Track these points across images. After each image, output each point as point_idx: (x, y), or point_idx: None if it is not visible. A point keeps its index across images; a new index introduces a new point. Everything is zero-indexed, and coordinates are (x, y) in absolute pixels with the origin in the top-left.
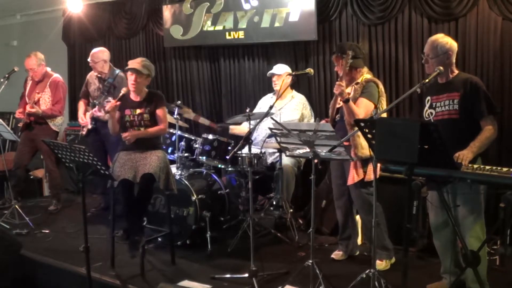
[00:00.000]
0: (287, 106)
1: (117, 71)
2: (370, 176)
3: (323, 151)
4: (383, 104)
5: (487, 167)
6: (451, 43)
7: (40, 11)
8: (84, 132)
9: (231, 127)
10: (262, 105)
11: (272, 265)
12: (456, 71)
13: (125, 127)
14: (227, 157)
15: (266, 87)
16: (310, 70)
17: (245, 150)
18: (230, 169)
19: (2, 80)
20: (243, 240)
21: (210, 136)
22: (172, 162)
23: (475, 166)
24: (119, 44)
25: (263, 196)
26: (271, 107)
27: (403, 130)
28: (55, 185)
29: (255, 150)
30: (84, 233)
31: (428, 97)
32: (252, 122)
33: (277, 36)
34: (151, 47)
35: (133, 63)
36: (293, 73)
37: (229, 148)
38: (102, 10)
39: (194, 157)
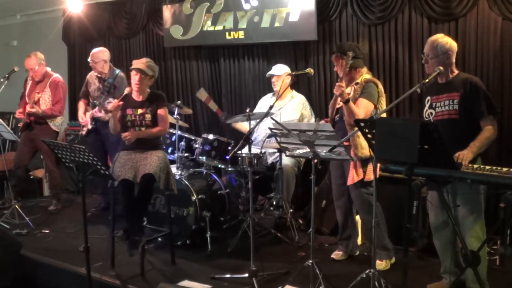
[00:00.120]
0: (287, 106)
1: (117, 71)
2: (370, 176)
3: (323, 151)
4: (383, 104)
5: (487, 167)
6: (451, 43)
7: (40, 11)
8: (84, 132)
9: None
10: (262, 105)
11: (272, 265)
12: (456, 71)
13: (126, 126)
14: (227, 157)
15: (266, 87)
16: (310, 70)
17: (245, 150)
18: (230, 169)
19: (2, 80)
20: (243, 240)
21: (210, 136)
22: (172, 162)
23: (475, 166)
24: (119, 44)
25: (263, 196)
26: (271, 107)
27: (403, 130)
28: (55, 185)
29: (255, 150)
30: (84, 233)
31: (428, 97)
32: (252, 122)
33: (277, 36)
34: (151, 47)
35: (138, 63)
36: (293, 73)
37: (229, 148)
38: (102, 10)
39: (194, 157)
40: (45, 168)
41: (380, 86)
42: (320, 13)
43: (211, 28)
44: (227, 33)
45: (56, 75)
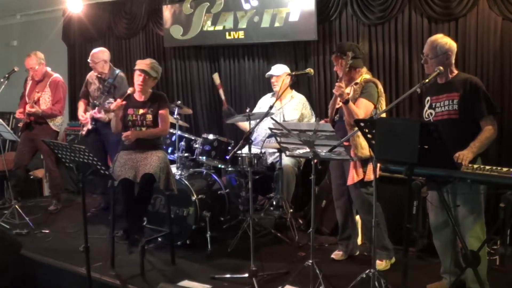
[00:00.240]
0: (287, 106)
1: (117, 71)
2: (370, 176)
3: (323, 151)
4: (382, 104)
5: (487, 167)
6: (451, 43)
7: (40, 11)
8: (84, 132)
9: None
10: (261, 105)
11: (272, 265)
12: (456, 71)
13: (127, 126)
14: (227, 157)
15: (266, 87)
16: (310, 70)
17: (245, 150)
18: (230, 169)
19: (2, 80)
20: (243, 240)
21: (210, 136)
22: (172, 162)
23: (475, 166)
24: (119, 44)
25: (263, 196)
26: (271, 107)
27: (403, 130)
28: (55, 185)
29: (255, 150)
30: (84, 233)
31: (428, 98)
32: (252, 122)
33: (277, 36)
34: (151, 47)
35: (143, 64)
36: (293, 73)
37: (229, 148)
38: (102, 10)
39: (194, 157)
40: (45, 168)
41: (380, 86)
42: (320, 13)
43: (211, 28)
44: (227, 33)
45: (56, 75)
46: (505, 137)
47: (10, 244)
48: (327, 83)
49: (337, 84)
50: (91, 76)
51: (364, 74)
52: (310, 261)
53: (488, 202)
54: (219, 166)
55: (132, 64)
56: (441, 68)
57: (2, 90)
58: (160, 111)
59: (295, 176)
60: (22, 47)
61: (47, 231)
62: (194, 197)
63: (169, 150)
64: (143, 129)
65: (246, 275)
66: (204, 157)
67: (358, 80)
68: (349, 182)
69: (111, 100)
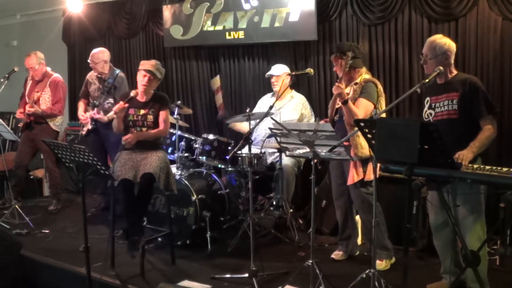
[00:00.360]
0: (287, 106)
1: (117, 71)
2: (370, 176)
3: (323, 151)
4: (382, 104)
5: (487, 167)
6: (450, 44)
7: (40, 11)
8: (84, 132)
9: (232, 122)
10: (261, 105)
11: (272, 265)
12: (455, 72)
13: (127, 126)
14: (227, 157)
15: (266, 87)
16: (310, 70)
17: (245, 150)
18: (230, 169)
19: (2, 80)
20: (243, 240)
21: (210, 136)
22: (172, 162)
23: (475, 166)
24: (119, 44)
25: (263, 196)
26: (271, 107)
27: (403, 130)
28: (55, 185)
29: (255, 150)
30: (84, 233)
31: (427, 98)
32: (252, 122)
33: (277, 36)
34: (151, 47)
35: (148, 65)
36: (293, 73)
37: (229, 148)
38: (102, 10)
39: (194, 157)
40: (45, 168)
41: (380, 86)
42: (320, 13)
43: (211, 28)
44: (227, 33)
45: (56, 75)
46: (505, 137)
47: (10, 244)
48: (327, 83)
49: (336, 84)
50: (91, 76)
51: (364, 74)
52: (310, 261)
53: (488, 202)
54: (219, 166)
55: (132, 64)
56: (441, 68)
57: (2, 90)
58: (161, 112)
59: (295, 176)
60: (22, 47)
61: (47, 231)
62: (194, 197)
63: (169, 150)
64: (144, 129)
65: (246, 275)
66: (204, 157)
67: (357, 80)
68: (349, 182)
69: (110, 100)
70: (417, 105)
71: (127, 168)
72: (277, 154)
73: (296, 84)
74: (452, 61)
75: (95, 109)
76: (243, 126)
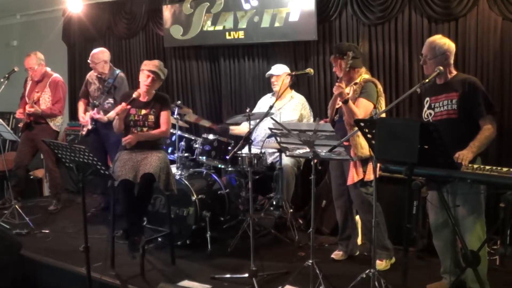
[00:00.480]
0: (286, 106)
1: (117, 71)
2: (370, 175)
3: (323, 151)
4: (382, 104)
5: (487, 167)
6: (449, 44)
7: (40, 11)
8: (84, 132)
9: (231, 127)
10: (261, 105)
11: (272, 265)
12: (455, 72)
13: (128, 126)
14: (227, 157)
15: (266, 87)
16: (310, 70)
17: (245, 150)
18: (230, 169)
19: (2, 80)
20: (243, 240)
21: (210, 136)
22: (172, 162)
23: (475, 166)
24: (119, 44)
25: (263, 196)
26: (271, 107)
27: (403, 130)
28: (55, 185)
29: (255, 150)
30: (84, 233)
31: (427, 98)
32: (252, 122)
33: (277, 36)
34: (151, 47)
35: (152, 66)
36: (293, 73)
37: (229, 148)
38: (102, 10)
39: (194, 157)
40: (45, 168)
41: (379, 86)
42: (320, 13)
43: (211, 28)
44: (227, 33)
45: (56, 75)
46: (505, 137)
47: (10, 244)
48: (327, 83)
49: (336, 84)
50: (91, 76)
51: (364, 74)
52: (310, 261)
53: (488, 202)
54: (219, 166)
55: (132, 64)
56: (441, 68)
57: (2, 90)
58: (162, 113)
59: (295, 176)
60: (22, 47)
61: (47, 231)
62: (194, 197)
63: (169, 150)
64: (145, 129)
65: (246, 275)
66: (204, 157)
67: (357, 80)
68: (349, 182)
69: (110, 100)
70: (417, 105)
71: (127, 168)
72: (277, 154)
73: (296, 84)
74: (452, 62)
75: (95, 109)
76: (242, 129)
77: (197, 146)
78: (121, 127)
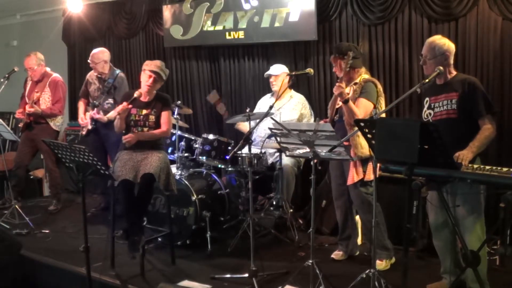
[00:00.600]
0: (286, 106)
1: (118, 71)
2: (370, 175)
3: (323, 151)
4: (382, 104)
5: (487, 167)
6: (449, 44)
7: (40, 11)
8: (84, 132)
9: (232, 122)
10: (261, 106)
11: (272, 265)
12: (454, 72)
13: (129, 126)
14: (227, 157)
15: (266, 87)
16: (310, 70)
17: (245, 150)
18: (230, 169)
19: (2, 80)
20: (243, 240)
21: (210, 136)
22: (172, 162)
23: (475, 166)
24: (119, 44)
25: (263, 196)
26: (271, 107)
27: (403, 130)
28: (55, 185)
29: (255, 150)
30: (84, 233)
31: (427, 98)
32: (252, 122)
33: (277, 36)
34: (151, 47)
35: (154, 66)
36: (293, 73)
37: (229, 148)
38: (102, 10)
39: (194, 157)
40: (45, 168)
41: (379, 86)
42: (320, 13)
43: (211, 28)
44: (227, 33)
45: (56, 75)
46: (505, 137)
47: (10, 244)
48: (327, 83)
49: (337, 84)
50: (91, 76)
51: (363, 74)
52: (310, 261)
53: (488, 202)
54: (219, 166)
55: (132, 64)
56: (441, 68)
57: (2, 90)
58: (163, 113)
59: (295, 176)
60: (22, 47)
61: (47, 231)
62: (194, 197)
63: (169, 150)
64: (145, 129)
65: (246, 275)
66: (204, 157)
67: (357, 80)
68: (349, 181)
69: (110, 100)
70: (417, 105)
71: (128, 168)
72: (277, 154)
73: (296, 84)
74: (451, 62)
75: (95, 109)
76: (246, 126)
77: (197, 146)
78: (122, 126)
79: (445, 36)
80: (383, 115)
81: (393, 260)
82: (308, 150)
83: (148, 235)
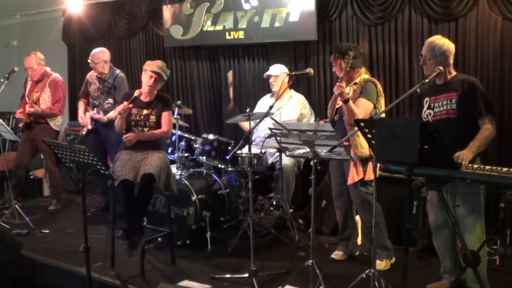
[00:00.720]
0: (286, 106)
1: (117, 71)
2: (370, 175)
3: (323, 151)
4: (382, 104)
5: (487, 167)
6: (449, 45)
7: (40, 11)
8: (84, 132)
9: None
10: (261, 106)
11: (272, 265)
12: (454, 72)
13: (129, 125)
14: (227, 157)
15: (266, 87)
16: (310, 70)
17: (245, 150)
18: (230, 169)
19: (2, 80)
20: (243, 240)
21: (210, 136)
22: (172, 162)
23: (475, 166)
24: (119, 44)
25: (263, 196)
26: (271, 107)
27: (403, 130)
28: (55, 185)
29: (255, 150)
30: (84, 233)
31: (427, 98)
32: (252, 122)
33: (277, 36)
34: (151, 47)
35: (155, 66)
36: (293, 73)
37: (229, 148)
38: (102, 10)
39: (194, 157)
40: (45, 168)
41: (379, 86)
42: (320, 13)
43: (211, 28)
44: (227, 33)
45: (56, 75)
46: (505, 137)
47: (10, 244)
48: (327, 83)
49: (337, 83)
50: (91, 76)
51: (363, 74)
52: (310, 261)
53: (488, 202)
54: (219, 166)
55: (132, 64)
56: (441, 68)
57: (2, 90)
58: (163, 113)
59: (295, 176)
60: (22, 47)
61: (47, 231)
62: (194, 197)
63: (169, 150)
64: (146, 129)
65: (246, 275)
66: (204, 157)
67: (357, 80)
68: (349, 181)
69: (110, 100)
70: (417, 105)
71: (128, 168)
72: (277, 154)
73: (296, 84)
74: (451, 62)
75: (95, 109)
76: (246, 124)
77: (197, 146)
78: (123, 126)
79: (445, 36)
80: (383, 115)
81: (393, 260)
82: (308, 150)
83: (148, 235)
